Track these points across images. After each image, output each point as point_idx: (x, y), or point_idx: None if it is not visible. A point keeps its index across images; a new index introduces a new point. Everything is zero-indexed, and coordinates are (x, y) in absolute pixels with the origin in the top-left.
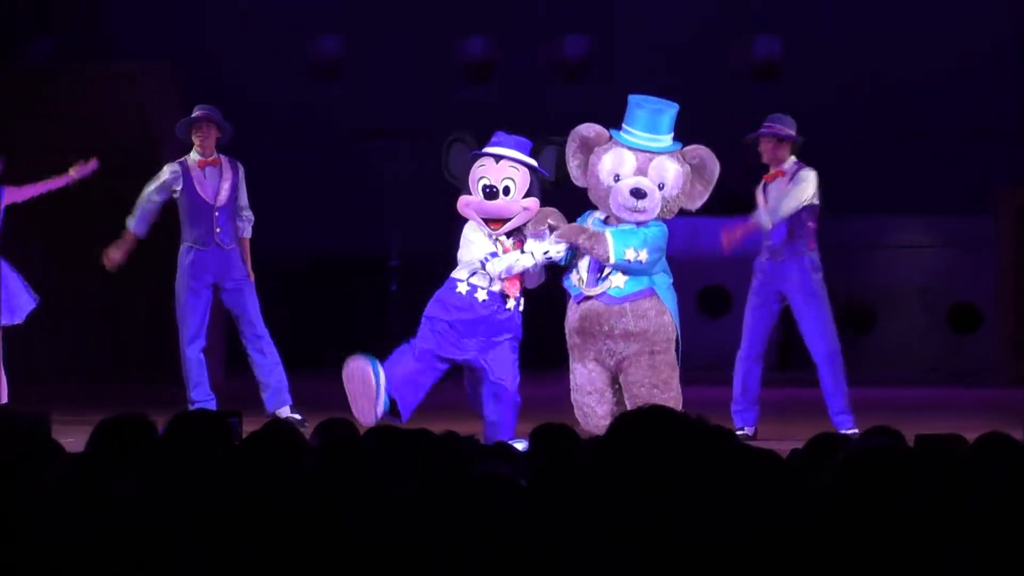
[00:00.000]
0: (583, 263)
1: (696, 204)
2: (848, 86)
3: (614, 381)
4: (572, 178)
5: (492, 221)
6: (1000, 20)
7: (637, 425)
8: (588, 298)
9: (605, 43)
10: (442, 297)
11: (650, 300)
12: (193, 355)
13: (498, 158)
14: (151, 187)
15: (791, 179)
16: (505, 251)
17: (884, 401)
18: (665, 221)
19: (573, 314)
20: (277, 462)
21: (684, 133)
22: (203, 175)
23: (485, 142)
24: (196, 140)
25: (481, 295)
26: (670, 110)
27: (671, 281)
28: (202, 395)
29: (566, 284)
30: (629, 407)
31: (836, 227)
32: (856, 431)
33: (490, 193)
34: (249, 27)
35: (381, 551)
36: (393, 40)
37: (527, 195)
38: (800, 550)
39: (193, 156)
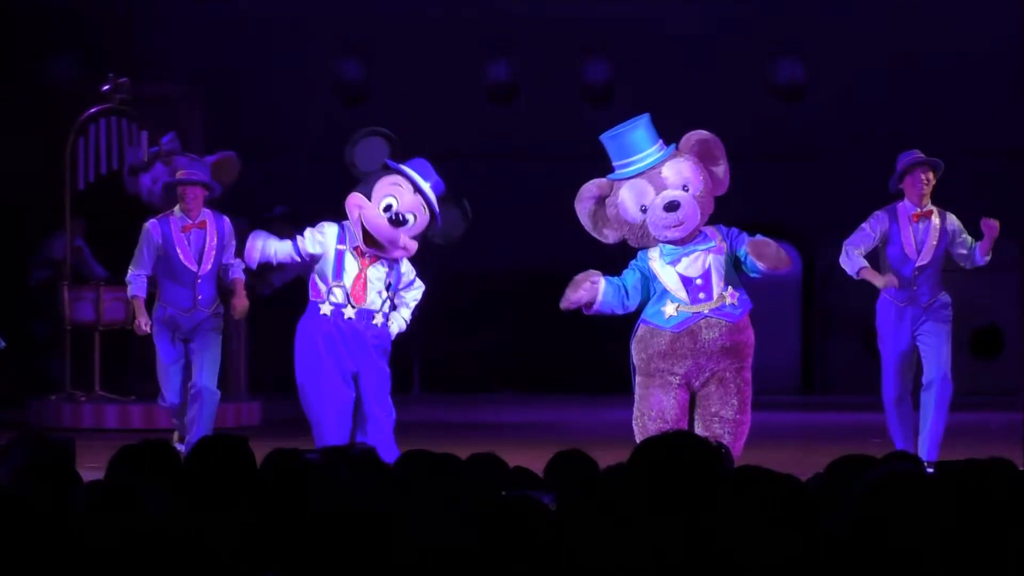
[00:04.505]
0: (675, 288)
1: (724, 185)
2: (871, 110)
3: (687, 409)
4: (601, 238)
5: (375, 243)
6: (1018, 43)
7: (661, 452)
8: (682, 321)
9: (627, 66)
10: (306, 326)
11: (747, 316)
12: (170, 408)
13: (416, 188)
14: (142, 249)
15: (940, 220)
16: (362, 263)
17: None
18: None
19: (659, 340)
20: (297, 490)
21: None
22: (187, 240)
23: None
24: (182, 201)
25: (348, 312)
26: (640, 123)
27: None
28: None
29: (652, 319)
30: (703, 427)
31: None
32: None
33: (395, 220)
34: (276, 51)
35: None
36: (417, 64)
37: (414, 236)
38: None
39: (178, 213)
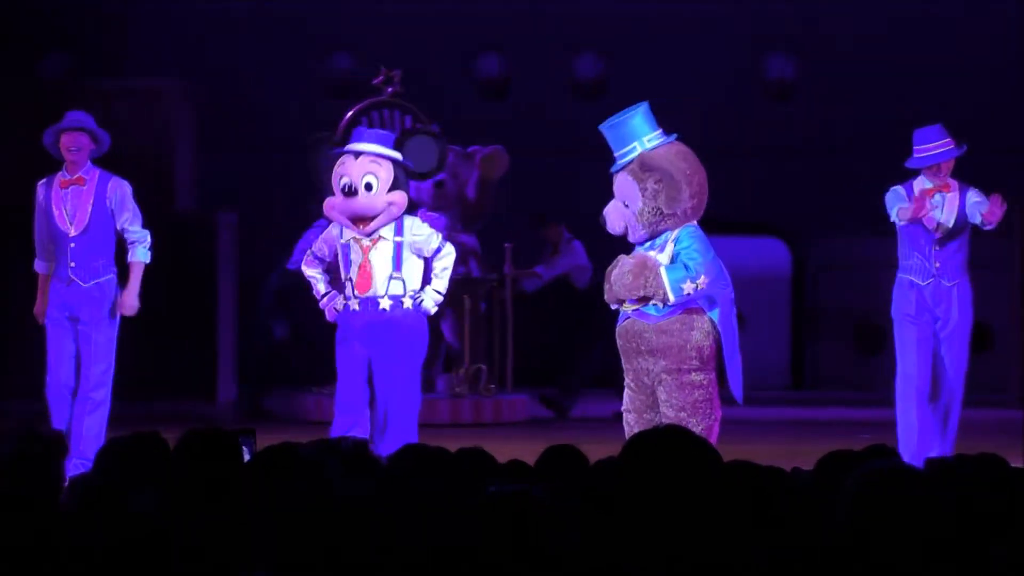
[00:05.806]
0: None
1: (672, 208)
2: (864, 108)
3: (656, 401)
4: None
5: (359, 220)
6: (1016, 42)
7: (649, 447)
8: (621, 318)
9: (619, 62)
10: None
11: (681, 316)
12: (50, 391)
13: (357, 154)
14: (34, 217)
15: (960, 193)
16: (363, 251)
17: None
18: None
19: (618, 334)
20: (290, 482)
21: (699, 152)
22: (64, 197)
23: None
24: (64, 154)
25: (353, 304)
26: (623, 120)
27: (725, 293)
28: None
29: (615, 305)
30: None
31: (849, 246)
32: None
33: (349, 191)
34: (265, 45)
35: (407, 570)
36: (407, 58)
37: (392, 189)
38: (813, 571)
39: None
